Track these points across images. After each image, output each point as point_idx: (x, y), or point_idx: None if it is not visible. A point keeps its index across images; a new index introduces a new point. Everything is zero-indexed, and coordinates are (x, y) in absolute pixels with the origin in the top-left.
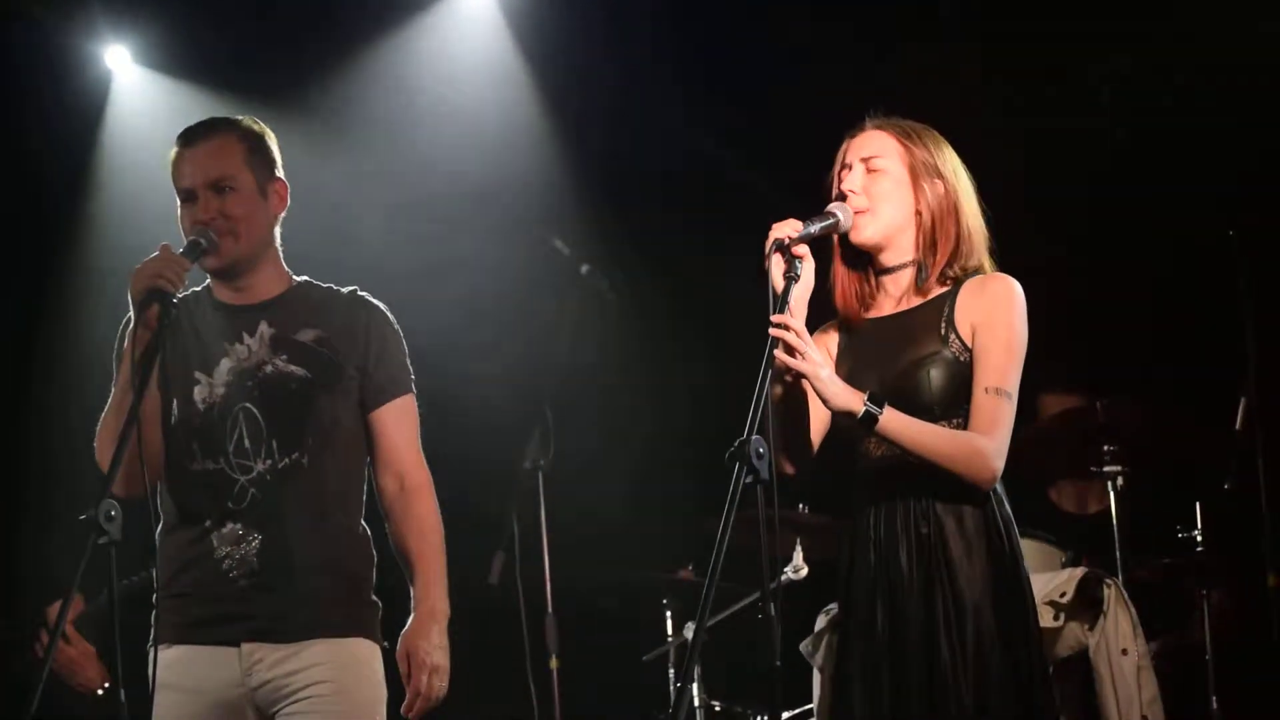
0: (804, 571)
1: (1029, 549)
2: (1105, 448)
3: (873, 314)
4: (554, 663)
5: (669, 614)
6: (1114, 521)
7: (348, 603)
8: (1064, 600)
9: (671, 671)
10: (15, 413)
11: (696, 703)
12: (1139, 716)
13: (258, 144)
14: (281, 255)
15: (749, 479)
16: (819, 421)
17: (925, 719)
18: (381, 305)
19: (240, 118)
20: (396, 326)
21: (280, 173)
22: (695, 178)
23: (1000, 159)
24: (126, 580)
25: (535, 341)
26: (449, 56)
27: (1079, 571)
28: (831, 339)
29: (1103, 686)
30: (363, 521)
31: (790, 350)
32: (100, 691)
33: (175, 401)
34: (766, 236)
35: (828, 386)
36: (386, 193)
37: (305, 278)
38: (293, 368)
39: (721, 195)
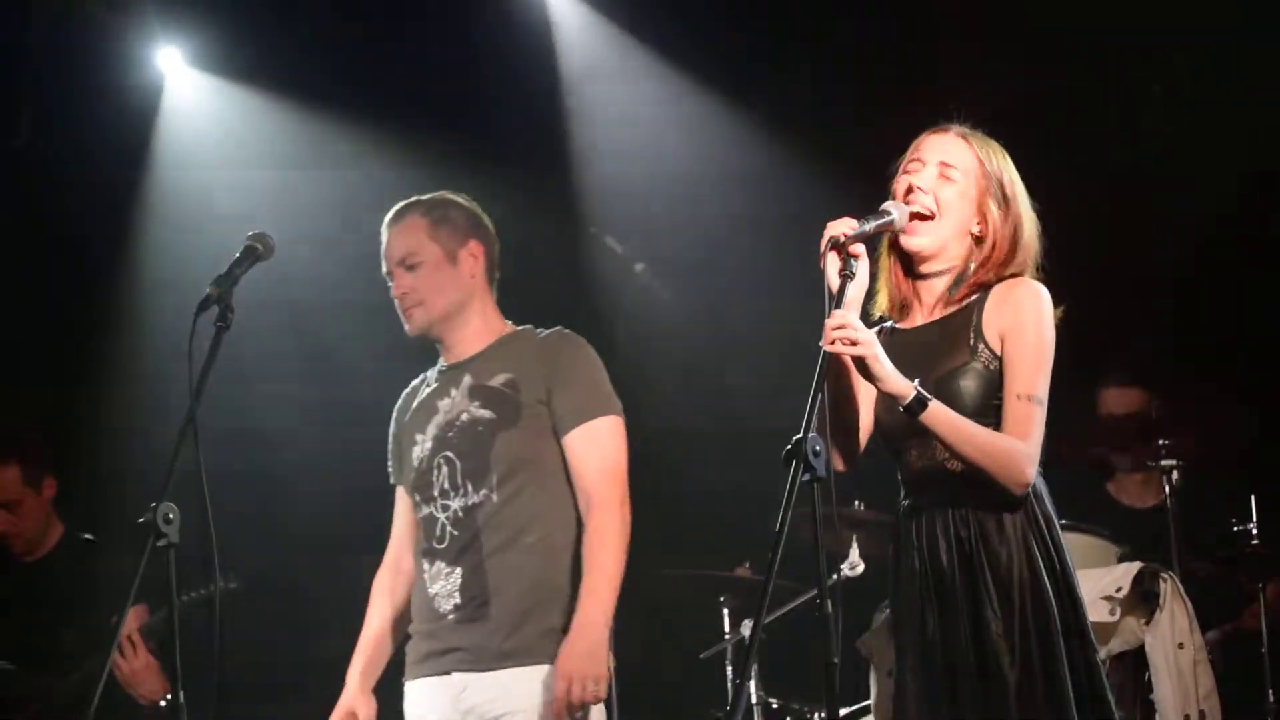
0: (860, 568)
1: (1083, 544)
2: (1162, 441)
3: (905, 324)
4: (610, 661)
5: (726, 611)
6: (1170, 515)
7: (538, 629)
8: (1120, 595)
9: (729, 669)
10: (81, 419)
11: (754, 700)
12: (1195, 710)
13: (442, 216)
14: (494, 307)
15: (806, 476)
16: (867, 420)
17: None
18: (577, 339)
19: (427, 197)
20: (592, 357)
21: (478, 234)
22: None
23: (1056, 153)
24: (186, 596)
25: (592, 338)
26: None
27: (1135, 566)
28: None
29: (1159, 680)
30: (562, 542)
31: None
32: (162, 703)
33: (403, 462)
34: (821, 235)
35: (882, 369)
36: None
37: (525, 327)
38: (481, 411)
39: (768, 198)
